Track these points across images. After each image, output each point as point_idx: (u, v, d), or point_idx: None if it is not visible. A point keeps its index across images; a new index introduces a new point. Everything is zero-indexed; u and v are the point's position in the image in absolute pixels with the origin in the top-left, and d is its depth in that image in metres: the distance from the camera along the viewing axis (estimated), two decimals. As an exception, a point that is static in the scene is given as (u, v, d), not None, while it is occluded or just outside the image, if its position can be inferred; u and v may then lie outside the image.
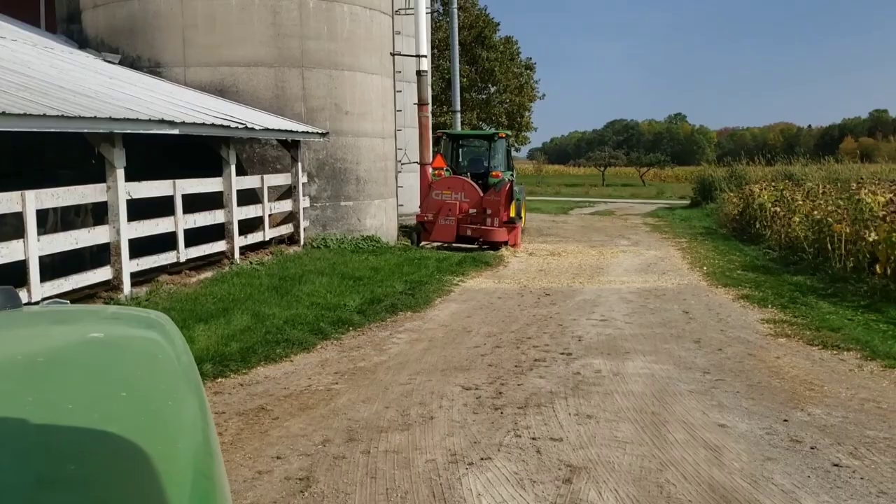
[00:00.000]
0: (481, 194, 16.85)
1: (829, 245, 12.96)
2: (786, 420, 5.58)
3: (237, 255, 12.35)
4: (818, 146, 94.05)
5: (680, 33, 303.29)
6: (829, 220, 13.03)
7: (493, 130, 19.53)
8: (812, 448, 5.03)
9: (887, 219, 10.51)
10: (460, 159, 19.49)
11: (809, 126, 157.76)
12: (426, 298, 10.60)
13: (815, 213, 13.86)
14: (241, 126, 11.74)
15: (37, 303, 6.02)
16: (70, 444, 1.09)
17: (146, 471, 1.06)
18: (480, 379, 6.74)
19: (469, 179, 17.32)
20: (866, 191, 13.59)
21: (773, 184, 21.25)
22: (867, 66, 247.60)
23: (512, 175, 19.34)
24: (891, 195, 11.70)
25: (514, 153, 42.11)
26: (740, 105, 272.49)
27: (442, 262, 13.74)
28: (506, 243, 16.67)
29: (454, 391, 6.38)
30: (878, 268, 10.62)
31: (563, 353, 7.62)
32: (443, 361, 7.38)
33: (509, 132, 19.70)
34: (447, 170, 18.28)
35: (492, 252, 15.85)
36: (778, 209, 17.08)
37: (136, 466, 1.07)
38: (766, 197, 18.39)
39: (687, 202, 36.45)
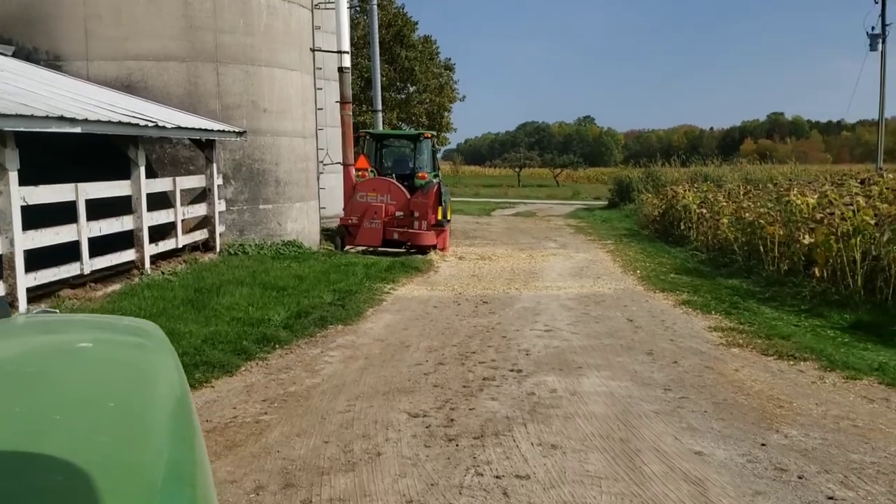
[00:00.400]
0: (408, 196, 16.22)
1: (761, 248, 12.90)
2: (763, 444, 5.16)
3: (148, 264, 11.34)
4: (720, 147, 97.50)
5: (588, 37, 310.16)
6: (761, 222, 12.96)
7: (417, 131, 18.92)
8: (800, 478, 4.61)
9: (824, 221, 10.42)
10: (384, 160, 18.81)
11: (711, 128, 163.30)
12: (357, 309, 9.89)
13: (747, 215, 13.81)
14: (150, 124, 10.76)
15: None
16: (58, 454, 1.09)
17: (133, 481, 1.06)
18: (427, 403, 6.11)
19: (395, 181, 16.67)
20: (795, 192, 13.62)
21: (696, 185, 21.36)
22: (765, 70, 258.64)
23: (438, 177, 18.78)
24: (830, 198, 11.66)
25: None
26: (646, 108, 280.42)
27: (370, 269, 13.04)
28: (434, 247, 16.09)
29: (400, 419, 5.73)
30: (815, 271, 10.52)
31: (512, 370, 7.07)
32: (383, 383, 6.71)
33: (434, 133, 19.15)
34: (371, 171, 17.58)
35: (420, 256, 15.25)
36: (704, 211, 17.09)
37: (123, 477, 1.07)
38: (690, 199, 18.40)
39: (604, 203, 36.76)
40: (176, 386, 1.49)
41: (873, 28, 32.72)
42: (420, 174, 17.83)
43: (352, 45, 19.88)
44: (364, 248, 16.35)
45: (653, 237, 20.10)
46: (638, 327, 8.92)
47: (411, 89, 36.29)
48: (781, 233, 12.17)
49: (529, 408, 5.97)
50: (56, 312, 2.24)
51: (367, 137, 18.80)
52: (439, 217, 16.64)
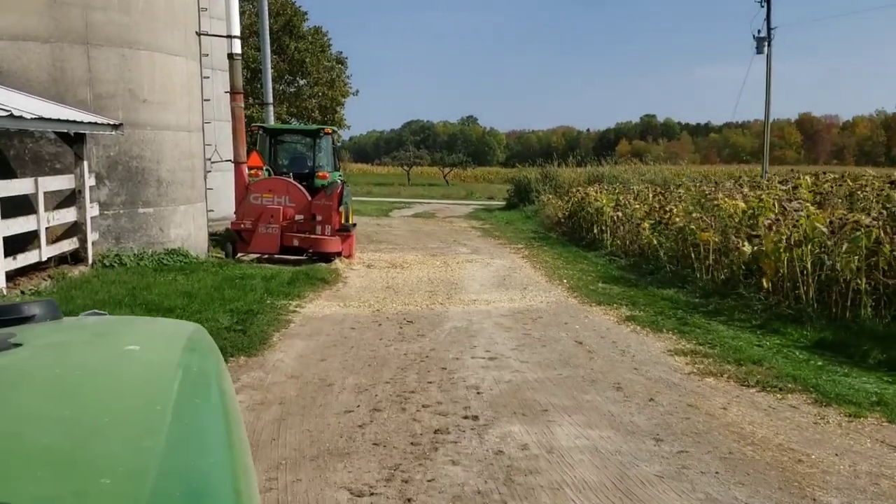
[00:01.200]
0: (309, 198, 14.71)
1: (692, 255, 12.20)
2: (808, 521, 4.15)
3: (4, 283, 9.39)
4: (596, 148, 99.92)
5: (469, 37, 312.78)
6: (692, 228, 12.27)
7: (317, 126, 17.26)
8: (880, 576, 3.60)
9: (773, 228, 9.72)
10: (280, 158, 17.15)
11: (588, 129, 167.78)
12: (262, 335, 8.38)
13: (677, 220, 13.11)
14: (5, 114, 8.84)
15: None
16: (105, 457, 1.09)
17: (181, 486, 1.05)
18: (371, 472, 4.77)
19: (293, 181, 15.10)
20: (722, 196, 13.03)
21: (605, 187, 20.76)
22: (637, 74, 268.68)
23: (341, 176, 17.32)
24: (767, 203, 11.03)
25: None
26: (526, 109, 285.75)
27: (270, 282, 11.48)
28: (339, 254, 14.64)
29: (341, 501, 4.38)
30: (763, 282, 9.81)
31: (466, 417, 5.81)
32: (308, 441, 5.32)
33: (336, 128, 17.65)
34: (266, 169, 15.93)
35: (324, 265, 13.79)
36: (620, 214, 16.40)
37: (170, 481, 1.05)
38: (605, 201, 17.70)
39: (502, 204, 36.13)
40: (223, 390, 1.49)
41: (759, 31, 33.51)
42: (321, 173, 16.32)
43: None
44: (259, 255, 14.73)
45: (563, 240, 19.34)
46: (591, 352, 7.86)
47: (302, 82, 34.42)
48: (717, 239, 11.48)
49: (503, 476, 4.73)
50: (105, 314, 2.24)
51: (261, 132, 17.07)
52: (344, 221, 15.23)
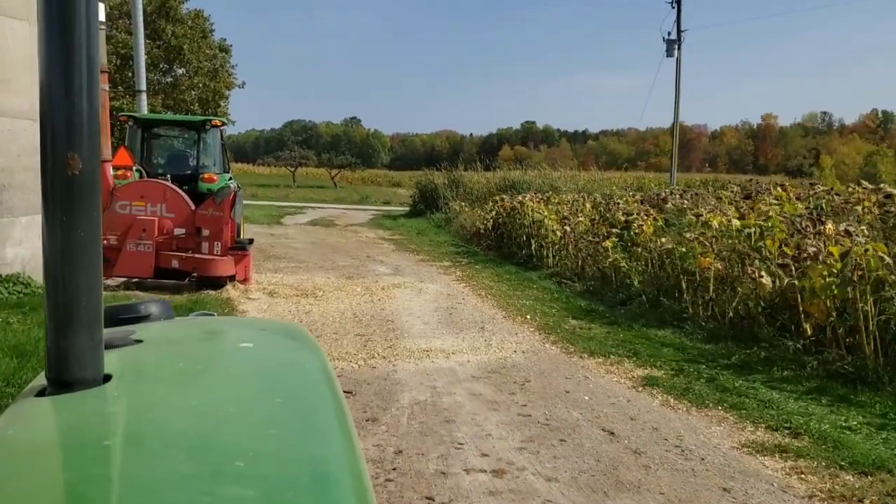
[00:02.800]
0: (192, 207, 11.61)
1: (681, 285, 9.97)
2: None
3: None
4: (479, 153, 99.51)
5: (353, 39, 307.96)
6: (683, 250, 10.04)
7: (202, 117, 13.89)
8: None
9: (818, 258, 7.52)
10: (155, 155, 13.89)
11: (471, 134, 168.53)
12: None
13: (663, 240, 10.84)
14: None
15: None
16: (235, 443, 1.14)
17: (307, 471, 1.11)
18: None
19: (172, 185, 11.93)
20: (708, 211, 10.90)
21: (540, 196, 18.47)
22: (518, 81, 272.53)
23: (232, 180, 14.22)
24: (801, 224, 8.85)
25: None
26: (410, 112, 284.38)
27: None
28: (233, 278, 11.59)
29: None
30: (807, 327, 7.61)
31: None
32: None
33: (225, 120, 14.37)
34: (137, 170, 12.68)
35: (213, 293, 10.76)
36: (567, 229, 14.09)
37: (297, 466, 1.11)
38: (546, 214, 15.35)
39: (403, 209, 33.53)
40: (331, 385, 1.52)
41: (669, 34, 32.41)
42: (207, 175, 13.22)
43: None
44: (127, 280, 11.51)
45: (492, 257, 16.90)
46: (637, 452, 5.31)
47: (180, 72, 30.50)
48: (719, 266, 9.29)
49: None
50: (214, 315, 2.33)
51: (131, 124, 13.67)
52: (238, 236, 12.20)
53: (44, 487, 1.01)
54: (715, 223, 10.18)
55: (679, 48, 32.12)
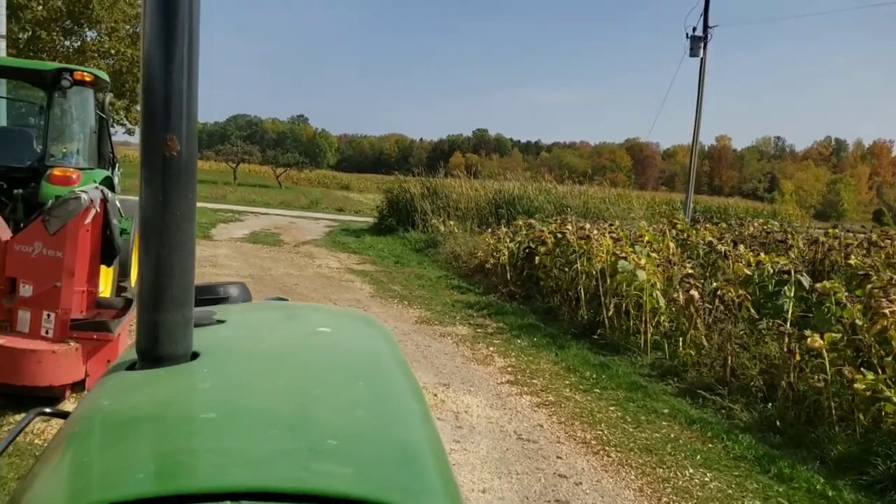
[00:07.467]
0: (2, 237, 5.61)
1: None
2: None
3: None
4: (430, 158, 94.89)
5: (303, 34, 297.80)
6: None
7: (55, 64, 7.37)
8: None
9: None
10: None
11: (421, 139, 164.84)
12: None
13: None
14: None
15: None
16: (326, 422, 1.16)
17: (397, 452, 1.12)
18: None
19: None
20: None
21: (601, 225, 12.65)
22: (469, 89, 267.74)
23: (114, 177, 8.18)
24: None
25: (120, 137, 28.53)
26: (358, 113, 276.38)
27: None
28: (77, 388, 5.57)
29: None
30: None
31: None
32: None
33: (103, 76, 8.04)
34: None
35: (16, 433, 4.66)
36: (692, 294, 8.32)
37: (386, 448, 1.12)
38: (644, 262, 9.40)
39: (362, 220, 27.52)
40: (408, 371, 1.54)
41: (694, 29, 27.13)
42: (57, 171, 7.12)
43: None
44: None
45: (519, 310, 11.07)
46: None
47: (89, 35, 23.82)
48: None
49: None
50: (287, 300, 2.28)
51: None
52: (104, 292, 6.23)
53: (148, 457, 1.04)
54: None
55: (705, 47, 26.88)
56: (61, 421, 1.58)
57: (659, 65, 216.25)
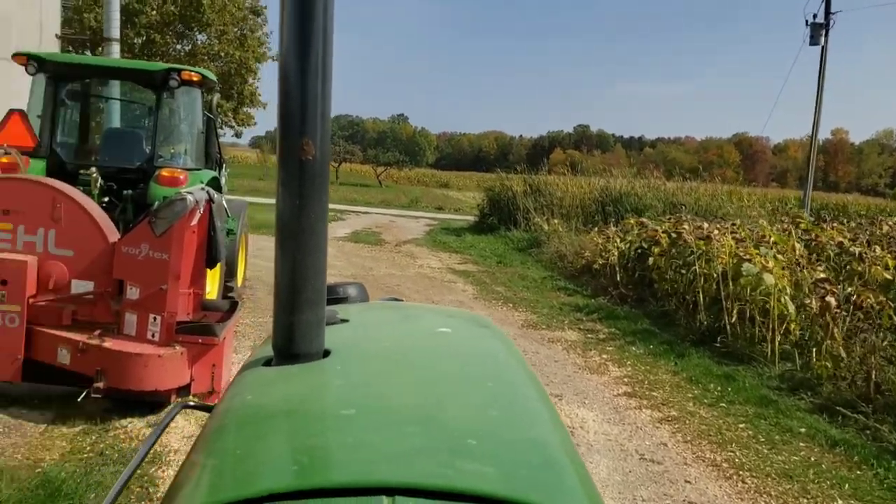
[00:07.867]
0: (111, 239, 5.58)
1: None
2: None
3: None
4: (529, 156, 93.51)
5: (402, 34, 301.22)
6: None
7: (165, 65, 7.41)
8: None
9: None
10: (76, 131, 7.81)
11: (520, 136, 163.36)
12: None
13: None
14: None
15: None
16: (463, 421, 1.14)
17: (537, 455, 1.10)
18: None
19: (74, 190, 5.84)
20: None
21: (727, 226, 11.92)
22: (570, 85, 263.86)
23: (221, 178, 8.14)
24: None
25: (228, 139, 29.09)
26: (458, 111, 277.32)
27: None
28: (182, 393, 5.46)
29: None
30: None
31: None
32: None
33: (210, 76, 8.04)
34: (42, 156, 6.66)
35: (137, 424, 4.60)
36: (829, 301, 7.58)
37: (526, 449, 1.11)
38: (772, 265, 8.66)
39: (463, 219, 27.25)
40: (531, 373, 1.54)
41: (815, 16, 25.59)
42: (166, 171, 7.08)
43: None
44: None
45: (631, 314, 10.51)
46: None
47: (200, 38, 24.53)
48: None
49: None
50: (402, 300, 2.29)
51: (34, 71, 7.48)
52: (209, 294, 6.13)
53: (292, 450, 1.06)
54: None
55: (827, 34, 25.29)
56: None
57: (767, 56, 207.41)
